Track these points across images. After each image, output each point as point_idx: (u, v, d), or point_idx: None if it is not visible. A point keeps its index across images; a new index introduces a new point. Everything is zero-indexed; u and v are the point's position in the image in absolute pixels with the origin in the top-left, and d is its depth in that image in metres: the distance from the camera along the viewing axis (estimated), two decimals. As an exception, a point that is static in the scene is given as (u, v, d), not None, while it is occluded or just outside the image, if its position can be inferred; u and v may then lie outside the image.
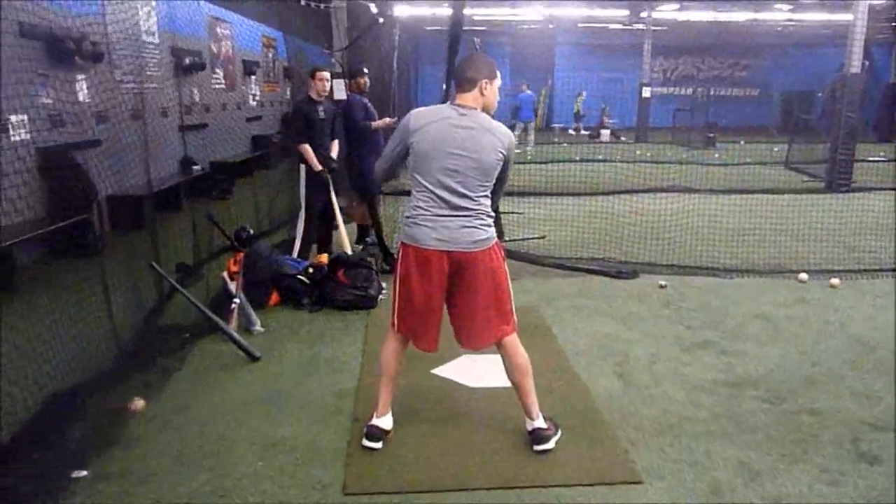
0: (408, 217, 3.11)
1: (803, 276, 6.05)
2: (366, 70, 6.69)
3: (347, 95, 6.98)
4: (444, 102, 3.98)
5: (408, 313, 3.17)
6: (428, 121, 3.04)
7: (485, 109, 3.09)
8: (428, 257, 3.04)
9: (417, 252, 3.05)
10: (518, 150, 16.24)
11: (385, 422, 3.28)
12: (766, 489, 2.90)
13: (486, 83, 3.04)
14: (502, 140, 3.04)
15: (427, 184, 3.02)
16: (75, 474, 2.96)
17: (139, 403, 3.60)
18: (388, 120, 6.63)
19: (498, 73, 3.11)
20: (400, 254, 3.17)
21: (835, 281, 5.91)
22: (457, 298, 3.14)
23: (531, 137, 18.22)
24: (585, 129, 22.88)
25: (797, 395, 3.78)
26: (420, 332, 3.19)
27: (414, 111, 3.18)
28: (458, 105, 3.06)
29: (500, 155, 3.03)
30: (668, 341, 4.58)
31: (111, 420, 3.47)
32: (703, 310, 5.22)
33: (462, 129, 2.99)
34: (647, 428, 3.40)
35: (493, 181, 3.08)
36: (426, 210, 3.02)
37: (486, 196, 3.08)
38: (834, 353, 4.39)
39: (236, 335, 4.36)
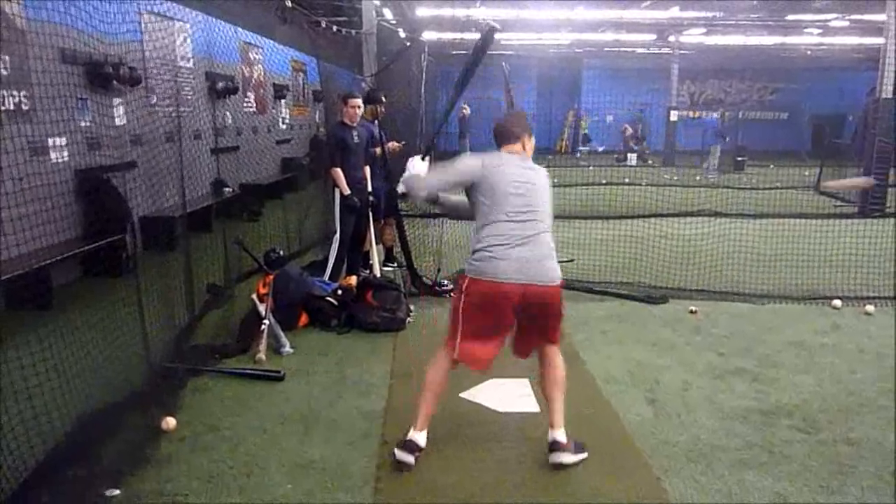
0: (479, 250, 3.14)
1: (837, 302, 5.95)
2: (384, 98, 6.76)
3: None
4: (443, 125, 4.24)
5: (472, 341, 3.20)
6: (501, 162, 3.27)
7: None
8: (505, 291, 3.09)
9: (491, 286, 3.10)
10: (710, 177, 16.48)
11: (421, 438, 3.28)
12: (803, 522, 2.84)
13: (527, 138, 3.39)
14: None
15: (507, 218, 3.13)
16: (109, 492, 3.00)
17: (171, 422, 3.64)
18: (394, 144, 6.73)
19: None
20: (467, 287, 3.17)
21: (870, 308, 5.81)
22: (524, 324, 3.27)
23: (714, 161, 18.23)
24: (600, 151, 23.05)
25: (833, 424, 3.70)
26: (478, 357, 3.24)
27: (483, 155, 3.33)
28: (514, 153, 3.33)
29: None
30: (700, 368, 4.52)
31: (144, 439, 3.51)
32: (735, 336, 5.14)
33: (529, 170, 3.29)
34: (680, 456, 3.35)
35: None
36: (501, 244, 3.10)
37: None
38: (870, 381, 4.29)
39: (249, 370, 4.42)
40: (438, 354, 3.32)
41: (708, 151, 18.90)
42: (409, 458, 3.20)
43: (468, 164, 3.31)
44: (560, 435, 3.25)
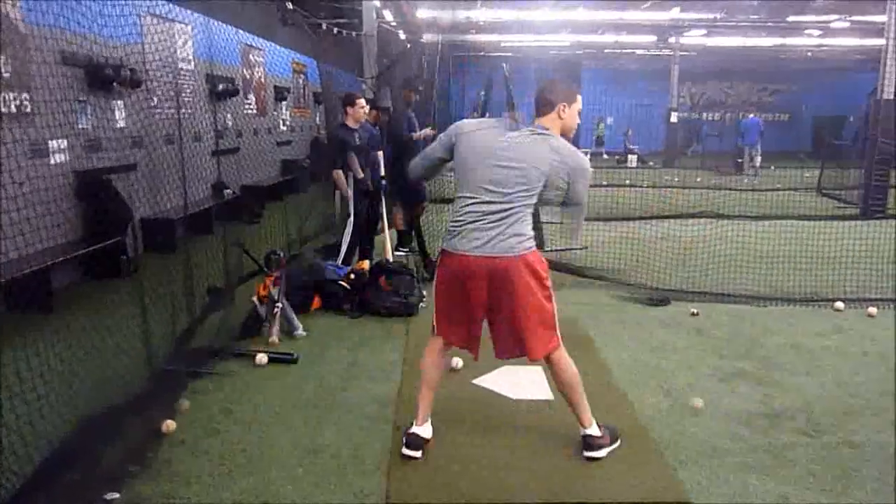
0: (451, 222, 3.14)
1: (839, 304, 5.92)
2: (420, 87, 6.83)
3: (394, 107, 7.11)
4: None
5: (445, 320, 3.23)
6: (478, 128, 3.13)
7: (564, 132, 3.15)
8: (471, 266, 3.04)
9: (459, 260, 3.06)
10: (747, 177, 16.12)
11: (425, 431, 3.27)
12: (807, 526, 2.82)
13: (565, 106, 3.10)
14: (559, 157, 3.03)
15: (473, 194, 3.04)
16: (108, 496, 2.97)
17: (171, 425, 3.61)
18: (427, 131, 6.85)
19: (578, 98, 3.16)
20: (440, 260, 3.21)
21: (872, 310, 5.78)
22: (498, 314, 3.16)
23: (756, 162, 17.92)
24: (607, 153, 23.05)
25: (836, 427, 3.67)
26: (453, 338, 3.25)
27: (467, 121, 3.28)
28: (538, 124, 3.12)
29: (546, 169, 3.01)
30: (702, 371, 4.49)
31: (143, 442, 3.47)
32: (736, 339, 5.12)
33: (525, 143, 3.03)
34: (682, 460, 3.32)
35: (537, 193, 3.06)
36: (470, 221, 3.03)
37: (526, 206, 3.06)
38: (873, 384, 4.26)
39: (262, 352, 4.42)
40: (429, 340, 3.31)
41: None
42: (416, 454, 3.20)
43: (446, 131, 3.23)
44: (591, 430, 3.22)
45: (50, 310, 5.48)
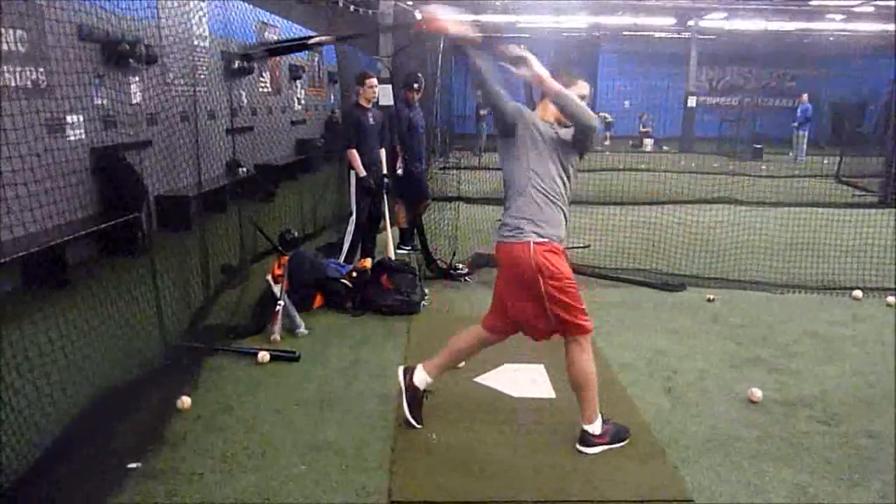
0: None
1: (857, 293, 5.86)
2: (416, 85, 6.74)
3: (395, 103, 7.03)
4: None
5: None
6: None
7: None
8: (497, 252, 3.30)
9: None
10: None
11: (421, 377, 3.43)
12: (823, 515, 2.80)
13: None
14: None
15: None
16: (130, 465, 3.01)
17: (186, 401, 3.64)
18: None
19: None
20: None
21: (891, 299, 5.70)
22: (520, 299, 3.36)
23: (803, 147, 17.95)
24: (617, 137, 22.66)
25: (854, 416, 3.64)
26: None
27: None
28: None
29: None
30: (718, 357, 4.47)
31: (158, 418, 3.51)
32: (752, 325, 5.08)
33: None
34: (697, 446, 3.31)
35: None
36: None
37: None
38: (891, 374, 4.22)
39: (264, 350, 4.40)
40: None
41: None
42: (416, 423, 3.38)
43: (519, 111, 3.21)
44: (590, 427, 3.22)
45: (66, 285, 5.51)
